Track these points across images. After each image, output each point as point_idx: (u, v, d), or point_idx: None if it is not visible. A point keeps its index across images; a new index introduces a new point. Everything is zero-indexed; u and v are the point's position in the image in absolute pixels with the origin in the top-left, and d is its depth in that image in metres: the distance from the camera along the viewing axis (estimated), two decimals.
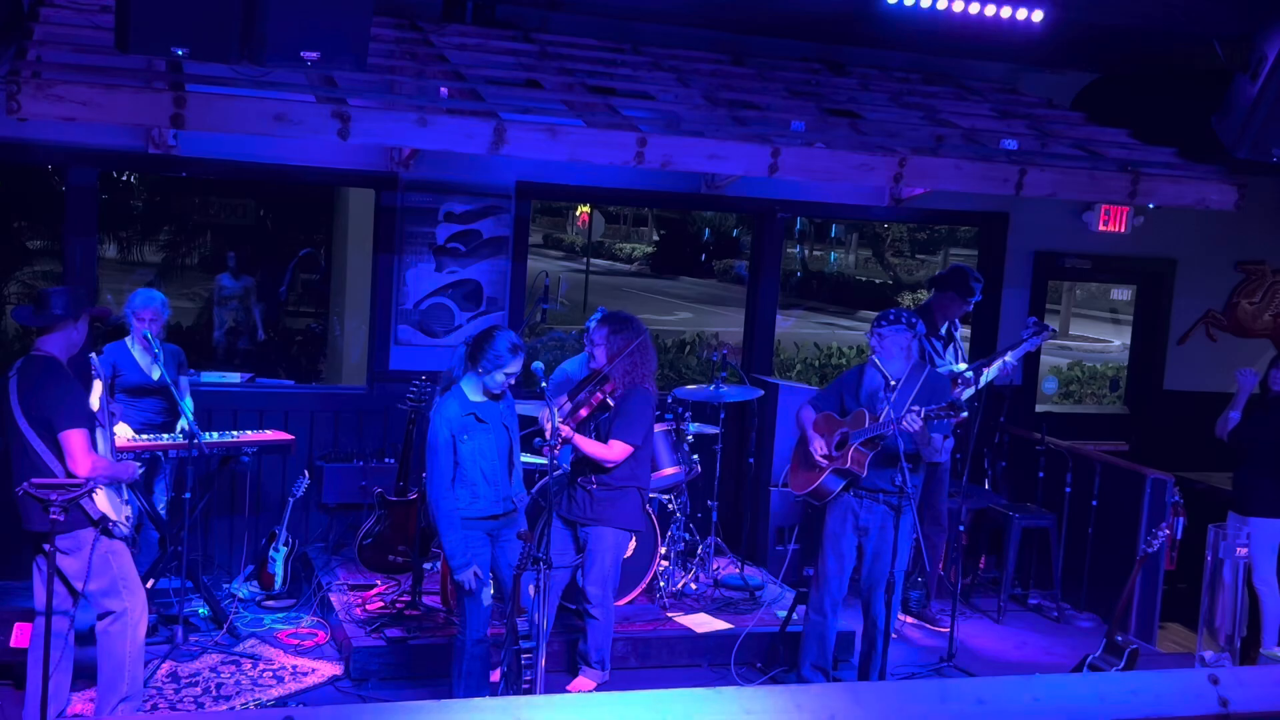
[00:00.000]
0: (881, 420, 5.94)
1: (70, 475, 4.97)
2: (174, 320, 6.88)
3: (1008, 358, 7.25)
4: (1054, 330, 7.55)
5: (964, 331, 8.47)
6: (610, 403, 6.03)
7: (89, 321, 5.36)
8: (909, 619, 7.55)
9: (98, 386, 5.53)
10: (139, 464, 5.88)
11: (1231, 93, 6.82)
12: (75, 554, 5.08)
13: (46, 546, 4.91)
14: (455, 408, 5.58)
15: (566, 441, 5.94)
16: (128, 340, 6.76)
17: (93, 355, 5.60)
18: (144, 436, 6.60)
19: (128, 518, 5.24)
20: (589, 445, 6.00)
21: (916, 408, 5.82)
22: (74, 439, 4.99)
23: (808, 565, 7.79)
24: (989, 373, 7.24)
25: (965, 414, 5.84)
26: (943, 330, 7.69)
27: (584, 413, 6.05)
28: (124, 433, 6.45)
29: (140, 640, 5.34)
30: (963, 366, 7.50)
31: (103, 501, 5.07)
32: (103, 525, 5.09)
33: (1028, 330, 7.29)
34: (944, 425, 5.97)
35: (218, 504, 7.43)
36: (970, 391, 7.19)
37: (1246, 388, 7.35)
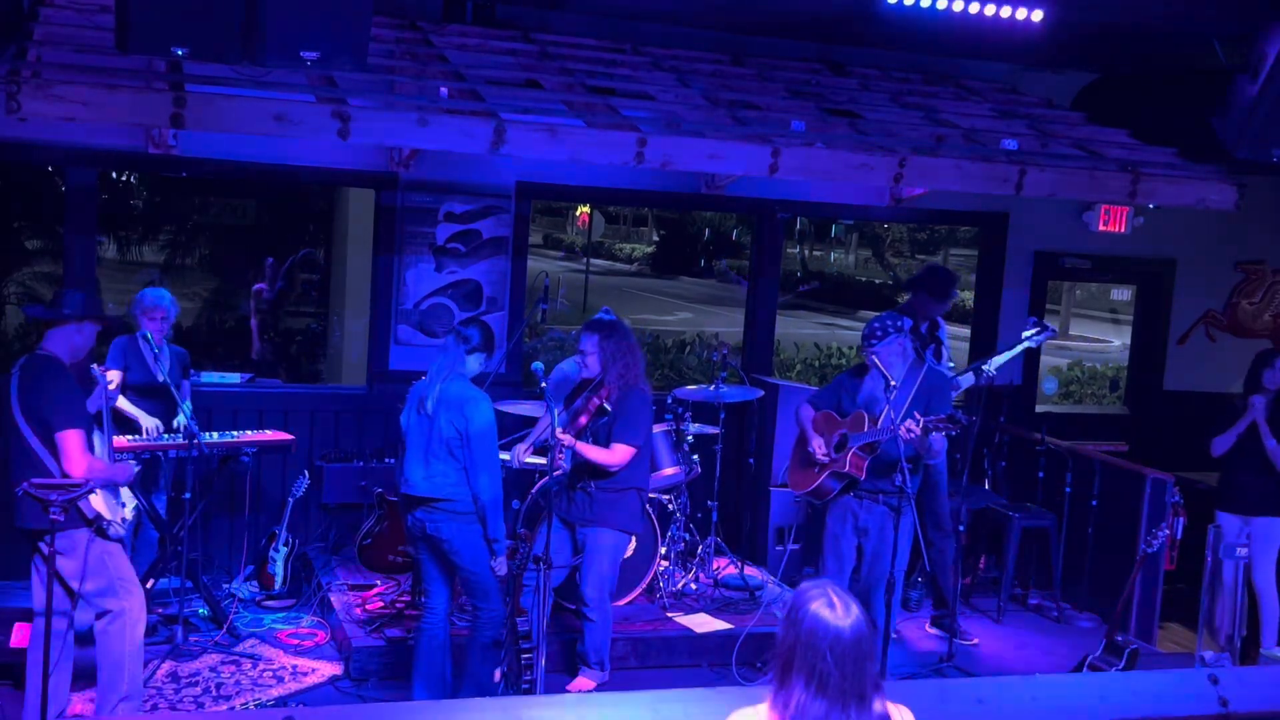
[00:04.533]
0: (880, 425, 5.93)
1: (65, 475, 4.97)
2: (175, 320, 6.90)
3: (1000, 357, 7.22)
4: (1054, 330, 7.54)
5: (955, 330, 8.39)
6: (607, 407, 6.04)
7: (96, 330, 5.34)
8: (933, 630, 7.43)
9: (101, 383, 5.54)
10: (137, 464, 5.88)
11: (1231, 93, 6.81)
12: (71, 554, 5.08)
13: (44, 546, 4.91)
14: None
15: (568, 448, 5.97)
16: (137, 337, 6.77)
17: (94, 366, 5.62)
18: (144, 436, 6.62)
19: (124, 520, 5.23)
20: (592, 451, 6.01)
21: (916, 415, 5.79)
22: (70, 439, 4.98)
23: (808, 565, 7.80)
24: (992, 365, 7.19)
25: (965, 423, 5.78)
26: (922, 330, 7.56)
27: (584, 420, 6.07)
28: (145, 423, 6.66)
29: (139, 640, 5.34)
30: (951, 367, 7.48)
31: (98, 502, 5.06)
32: (97, 526, 5.09)
33: (1028, 329, 7.27)
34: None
35: (218, 504, 7.42)
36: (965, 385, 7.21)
37: (1258, 411, 7.27)
